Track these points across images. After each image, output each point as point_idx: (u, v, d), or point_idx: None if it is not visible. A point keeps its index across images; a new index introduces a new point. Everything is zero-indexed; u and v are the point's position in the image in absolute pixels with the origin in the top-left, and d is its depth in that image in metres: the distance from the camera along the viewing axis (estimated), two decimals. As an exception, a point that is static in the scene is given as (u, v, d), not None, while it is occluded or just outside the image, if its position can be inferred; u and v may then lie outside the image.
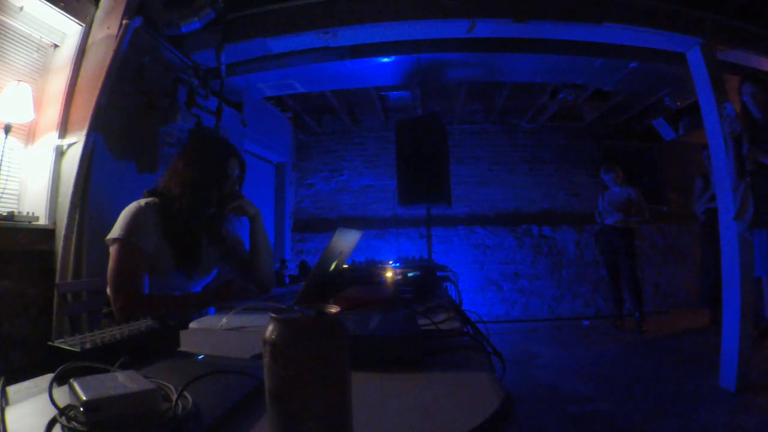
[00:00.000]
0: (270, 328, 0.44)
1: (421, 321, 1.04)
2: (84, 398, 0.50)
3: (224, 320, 1.33)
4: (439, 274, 2.40)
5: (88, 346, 0.75)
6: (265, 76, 3.92)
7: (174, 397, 0.55)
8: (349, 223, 6.56)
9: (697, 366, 3.48)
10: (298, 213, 6.87)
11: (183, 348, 0.96)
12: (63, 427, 0.50)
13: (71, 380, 0.55)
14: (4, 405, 0.60)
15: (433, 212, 5.14)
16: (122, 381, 0.56)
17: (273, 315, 0.44)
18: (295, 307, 0.49)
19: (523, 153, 6.32)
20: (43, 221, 2.72)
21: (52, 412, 0.52)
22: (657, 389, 3.10)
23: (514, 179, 6.27)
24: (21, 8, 2.58)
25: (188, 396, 0.56)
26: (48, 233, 2.71)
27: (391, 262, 2.37)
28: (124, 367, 0.71)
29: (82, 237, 2.67)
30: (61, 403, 0.53)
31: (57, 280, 2.63)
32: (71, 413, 0.51)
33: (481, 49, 3.59)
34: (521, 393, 3.20)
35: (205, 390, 0.62)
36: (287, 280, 2.85)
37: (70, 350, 0.74)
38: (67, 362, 0.67)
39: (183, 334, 0.99)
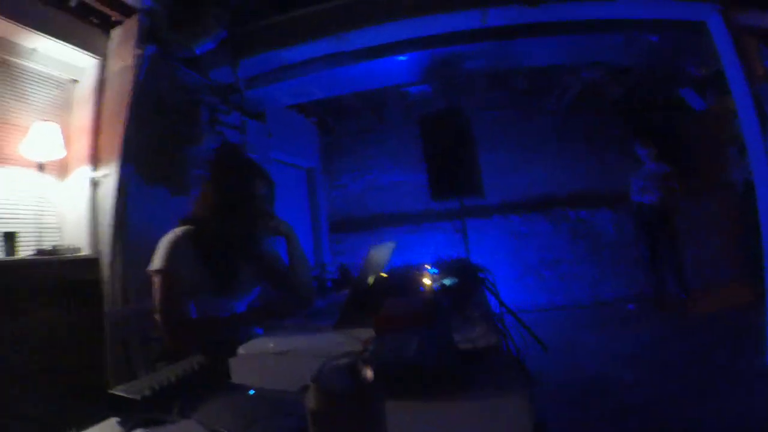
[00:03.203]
0: (311, 395, 0.48)
1: (458, 336, 1.07)
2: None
3: (271, 344, 1.39)
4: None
5: (147, 392, 0.81)
6: (284, 86, 3.99)
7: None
8: (382, 220, 6.64)
9: (742, 345, 3.41)
10: (333, 214, 6.98)
11: (235, 380, 1.01)
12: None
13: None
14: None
15: (466, 203, 5.15)
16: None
17: (313, 384, 0.48)
18: (335, 368, 0.52)
19: (551, 135, 6.21)
20: (85, 251, 2.87)
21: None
22: (699, 372, 3.08)
23: (544, 163, 6.18)
24: (34, 50, 2.73)
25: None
26: (92, 262, 2.86)
27: (428, 266, 2.38)
28: (181, 411, 0.76)
29: (126, 264, 2.81)
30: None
31: (106, 307, 2.77)
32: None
33: (495, 37, 3.56)
34: (566, 384, 3.18)
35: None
36: (329, 284, 2.90)
37: (131, 399, 0.80)
38: (129, 411, 0.73)
39: (232, 363, 1.05)
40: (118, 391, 0.83)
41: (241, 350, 1.36)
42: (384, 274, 2.06)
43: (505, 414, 0.71)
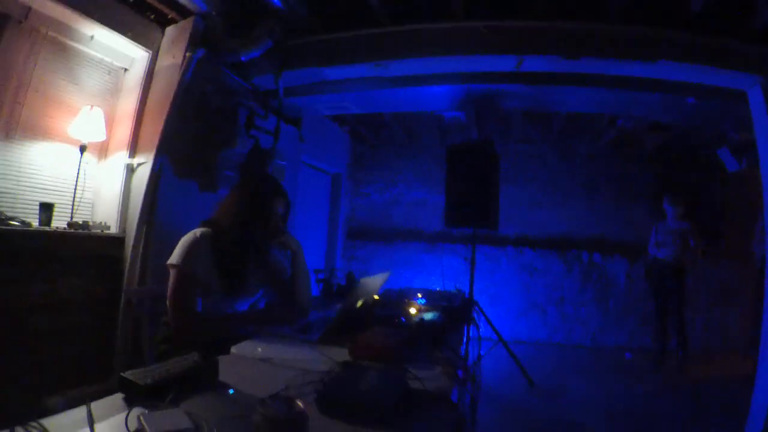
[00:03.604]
0: (257, 414, 0.69)
1: (413, 373, 1.26)
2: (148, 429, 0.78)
3: (259, 349, 1.62)
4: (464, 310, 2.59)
5: (149, 381, 1.04)
6: (322, 98, 4.25)
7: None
8: (400, 234, 6.87)
9: (724, 419, 3.44)
10: (352, 220, 7.26)
11: (222, 377, 1.23)
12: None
13: (139, 415, 0.83)
14: (92, 422, 0.89)
15: (483, 231, 5.29)
16: (172, 419, 0.83)
17: (259, 409, 0.69)
18: (275, 403, 0.73)
19: (579, 178, 6.31)
20: (114, 230, 3.17)
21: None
22: None
23: (567, 204, 6.29)
24: (92, 37, 3.03)
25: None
26: (118, 241, 3.16)
27: (419, 295, 2.58)
28: (173, 400, 0.99)
29: (149, 247, 3.10)
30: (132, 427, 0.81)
31: (124, 284, 3.07)
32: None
33: (532, 81, 3.69)
34: (539, 427, 3.32)
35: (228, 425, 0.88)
36: (335, 288, 3.09)
37: (136, 383, 1.03)
38: (132, 392, 0.97)
39: (223, 360, 1.28)
40: (128, 375, 1.07)
41: (233, 349, 1.60)
42: (376, 296, 2.27)
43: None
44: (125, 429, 0.82)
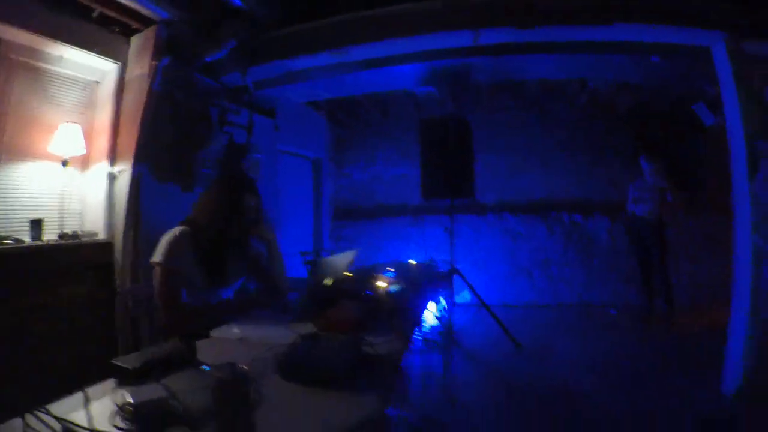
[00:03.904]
0: (212, 380, 0.89)
1: (371, 340, 1.48)
2: (131, 401, 0.98)
3: (236, 330, 1.84)
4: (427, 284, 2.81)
5: (136, 364, 1.25)
6: (292, 88, 4.38)
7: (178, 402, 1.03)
8: (384, 210, 7.08)
9: (708, 368, 3.48)
10: (337, 201, 7.45)
11: (202, 357, 1.44)
12: (119, 415, 0.98)
13: (124, 391, 1.04)
14: (87, 402, 1.10)
15: (466, 201, 5.50)
16: (152, 392, 1.04)
17: (214, 374, 0.90)
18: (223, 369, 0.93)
19: (557, 142, 6.42)
20: (102, 236, 3.36)
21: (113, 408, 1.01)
22: (661, 389, 3.28)
23: (547, 168, 6.43)
24: (62, 57, 3.19)
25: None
26: (108, 246, 3.36)
27: (390, 269, 2.78)
28: (155, 378, 1.20)
29: (137, 249, 3.29)
30: (119, 401, 1.02)
31: (117, 285, 3.27)
32: (125, 408, 1.00)
33: (493, 53, 3.75)
34: (524, 386, 3.52)
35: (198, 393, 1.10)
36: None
37: (125, 367, 1.24)
38: (122, 375, 1.18)
39: (204, 343, 1.49)
40: (117, 361, 1.28)
41: (213, 333, 1.82)
42: (348, 274, 2.48)
43: (360, 408, 1.10)
44: (113, 405, 1.03)
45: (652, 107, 6.05)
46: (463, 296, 5.52)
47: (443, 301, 4.97)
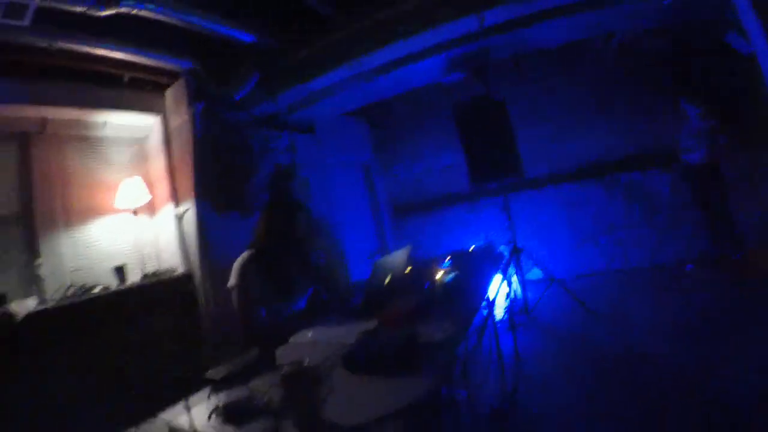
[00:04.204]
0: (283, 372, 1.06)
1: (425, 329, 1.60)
2: (221, 405, 1.17)
3: (309, 335, 2.03)
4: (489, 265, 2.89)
5: (223, 374, 1.45)
6: (323, 104, 4.58)
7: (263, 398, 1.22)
8: (438, 202, 7.19)
9: None
10: (393, 200, 7.65)
11: (281, 360, 1.62)
12: (213, 415, 1.17)
13: (213, 395, 1.23)
14: (189, 407, 1.30)
15: (516, 179, 5.47)
16: (236, 393, 1.23)
17: (285, 368, 1.06)
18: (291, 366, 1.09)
19: (595, 100, 6.20)
20: (180, 270, 3.70)
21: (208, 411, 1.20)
22: (736, 347, 3.14)
23: (591, 129, 6.22)
24: (105, 123, 3.61)
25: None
26: (188, 278, 3.71)
27: (447, 258, 2.88)
28: (241, 383, 1.39)
29: (212, 276, 3.60)
30: (212, 405, 1.21)
31: (201, 310, 3.62)
32: (216, 410, 1.19)
33: (506, 30, 3.79)
34: (600, 355, 3.49)
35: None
36: None
37: (214, 378, 1.44)
38: (213, 384, 1.38)
39: (283, 348, 1.68)
40: (208, 375, 1.49)
41: (291, 339, 2.02)
42: (407, 270, 2.62)
43: (414, 390, 1.22)
44: (207, 408, 1.23)
45: (685, 47, 5.73)
46: (535, 273, 5.49)
47: (515, 281, 5.02)
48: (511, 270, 4.92)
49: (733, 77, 5.56)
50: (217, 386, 1.44)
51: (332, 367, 1.45)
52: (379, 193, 7.35)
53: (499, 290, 4.48)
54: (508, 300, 4.86)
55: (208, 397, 1.36)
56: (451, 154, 6.94)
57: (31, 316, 2.71)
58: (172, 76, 3.76)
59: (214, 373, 1.51)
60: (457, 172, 6.85)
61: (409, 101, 6.53)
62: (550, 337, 4.14)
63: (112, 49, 3.27)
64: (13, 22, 2.61)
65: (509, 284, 4.96)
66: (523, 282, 4.87)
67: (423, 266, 2.77)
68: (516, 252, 4.82)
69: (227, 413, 1.18)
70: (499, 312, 4.24)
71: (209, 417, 1.20)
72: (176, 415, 1.29)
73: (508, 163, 4.90)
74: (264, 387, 1.33)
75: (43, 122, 3.29)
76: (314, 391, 1.13)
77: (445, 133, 6.83)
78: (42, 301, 2.95)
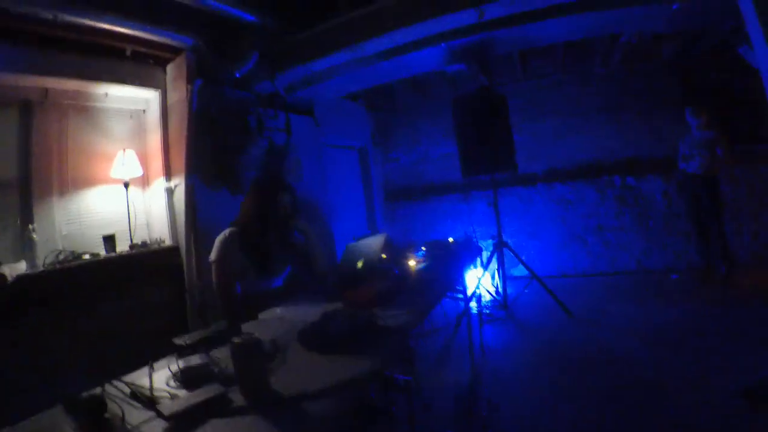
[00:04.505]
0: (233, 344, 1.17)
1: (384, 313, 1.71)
2: (181, 367, 1.29)
3: (278, 311, 2.14)
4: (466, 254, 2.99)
5: (188, 341, 1.57)
6: (324, 86, 4.64)
7: (217, 366, 1.33)
8: (433, 190, 7.31)
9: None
10: (387, 185, 7.75)
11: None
12: (172, 378, 1.29)
13: (178, 360, 1.35)
14: (152, 371, 1.41)
15: (510, 173, 5.53)
16: (198, 360, 1.34)
17: (234, 341, 1.17)
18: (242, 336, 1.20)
19: (598, 100, 6.25)
20: (168, 242, 3.82)
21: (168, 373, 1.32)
22: (709, 357, 3.18)
23: (591, 130, 6.28)
24: (106, 94, 3.69)
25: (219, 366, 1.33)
26: (175, 250, 3.82)
27: (423, 248, 2.99)
28: (204, 351, 1.50)
29: (198, 249, 3.72)
30: (173, 369, 1.32)
31: (186, 282, 3.74)
32: (175, 373, 1.30)
33: (508, 24, 3.80)
34: (569, 353, 3.59)
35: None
36: None
37: (181, 344, 1.56)
38: (178, 350, 1.49)
39: (252, 323, 1.80)
40: (176, 340, 1.61)
41: (260, 315, 2.13)
42: (383, 255, 2.72)
43: (360, 367, 1.34)
44: (169, 370, 1.35)
45: (694, 54, 5.73)
46: (520, 269, 5.61)
47: (497, 276, 5.14)
48: (494, 264, 5.02)
49: (740, 91, 5.57)
50: (182, 352, 1.55)
51: (289, 343, 1.56)
52: (373, 178, 7.46)
53: (479, 284, 4.60)
54: (487, 294, 4.99)
55: (173, 361, 1.48)
56: (449, 143, 7.01)
57: (21, 279, 2.83)
58: (174, 51, 3.82)
59: (181, 339, 1.62)
60: (453, 161, 6.90)
61: (410, 87, 6.61)
62: (525, 333, 4.25)
63: (115, 23, 3.32)
64: (19, -6, 2.70)
65: (492, 278, 5.08)
66: (504, 277, 4.97)
67: (398, 253, 2.88)
68: (500, 246, 4.90)
69: (184, 377, 1.29)
70: (478, 304, 4.36)
71: (168, 380, 1.32)
72: (140, 376, 1.40)
73: (502, 157, 4.96)
74: (223, 356, 1.44)
75: (45, 92, 3.35)
76: (263, 362, 1.25)
77: (446, 121, 6.88)
78: (32, 265, 3.07)
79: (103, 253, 3.39)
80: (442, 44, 4.13)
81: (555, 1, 3.59)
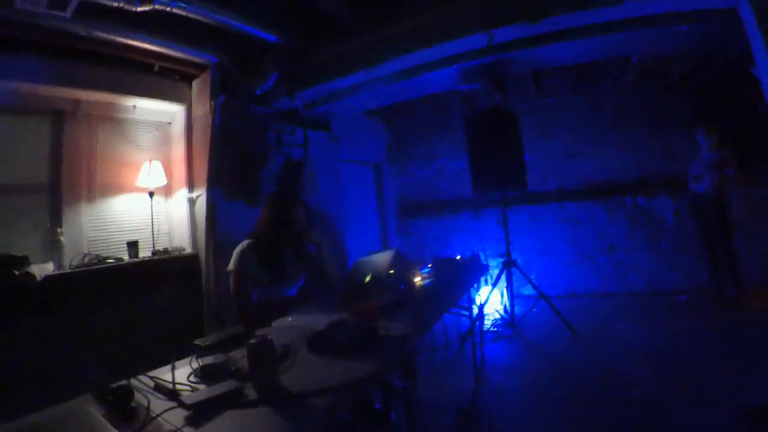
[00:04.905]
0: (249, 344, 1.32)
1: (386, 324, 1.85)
2: (201, 365, 1.44)
3: (289, 319, 2.29)
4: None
5: (208, 343, 1.73)
6: (341, 103, 4.85)
7: (235, 364, 1.48)
8: (446, 205, 7.45)
9: None
10: (402, 199, 7.93)
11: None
12: (192, 374, 1.44)
13: (198, 358, 1.50)
14: (174, 368, 1.57)
15: (521, 191, 5.63)
16: (217, 359, 1.50)
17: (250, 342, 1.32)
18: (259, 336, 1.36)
19: (610, 120, 6.34)
20: (188, 250, 4.01)
21: (190, 370, 1.48)
22: (715, 380, 3.19)
23: (603, 149, 6.37)
24: (134, 106, 3.94)
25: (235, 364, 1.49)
26: (194, 258, 4.02)
27: (429, 265, 3.13)
28: (221, 351, 1.66)
29: (217, 258, 3.91)
30: (194, 366, 1.48)
31: (204, 288, 3.93)
32: (196, 370, 1.46)
33: (518, 47, 3.96)
34: (572, 372, 3.66)
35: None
36: None
37: (200, 345, 1.72)
38: (198, 350, 1.65)
39: (265, 330, 1.95)
40: (197, 341, 1.77)
41: (273, 324, 2.28)
42: (391, 271, 2.87)
43: (359, 371, 1.47)
44: (190, 366, 1.50)
45: (705, 74, 5.77)
46: (530, 287, 5.70)
47: (505, 294, 5.23)
48: (502, 283, 5.12)
49: (752, 111, 5.58)
50: (201, 352, 1.71)
51: (298, 347, 1.71)
52: (387, 193, 7.63)
53: (488, 301, 4.70)
54: (496, 312, 5.09)
55: (193, 360, 1.63)
56: (464, 159, 7.11)
57: (49, 279, 3.03)
58: (200, 68, 4.07)
59: (201, 341, 1.78)
60: (467, 177, 7.05)
61: (427, 103, 6.76)
62: (531, 352, 4.33)
63: (144, 40, 3.57)
64: (55, 12, 2.92)
65: (500, 296, 5.18)
66: (512, 295, 5.06)
67: (405, 269, 3.02)
68: (508, 265, 5.01)
69: (204, 373, 1.44)
70: (486, 322, 4.46)
71: (189, 375, 1.47)
72: (162, 372, 1.56)
73: (512, 175, 5.08)
74: (239, 356, 1.59)
75: (77, 102, 3.61)
76: (275, 362, 1.40)
77: (460, 138, 7.03)
78: (59, 266, 3.28)
79: (126, 258, 3.60)
80: (456, 65, 4.31)
81: (564, 26, 3.73)
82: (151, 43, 3.63)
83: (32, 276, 2.94)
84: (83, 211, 3.61)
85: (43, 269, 3.07)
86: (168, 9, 3.17)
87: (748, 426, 2.57)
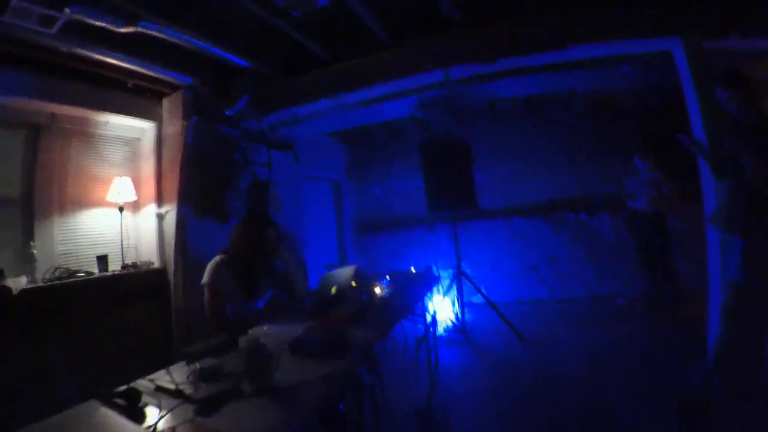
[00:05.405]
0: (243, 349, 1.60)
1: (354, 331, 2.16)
2: (199, 368, 1.70)
3: (264, 328, 2.55)
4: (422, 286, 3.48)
5: (197, 350, 1.97)
6: (304, 127, 5.16)
7: (229, 366, 1.74)
8: (402, 222, 7.82)
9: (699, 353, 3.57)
10: (360, 216, 8.28)
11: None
12: (192, 376, 1.70)
13: (190, 363, 1.75)
14: (171, 372, 1.81)
15: (472, 209, 6.06)
16: (207, 363, 1.75)
17: (245, 345, 1.60)
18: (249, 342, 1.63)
19: (557, 145, 7.00)
20: (156, 264, 4.17)
21: (187, 373, 1.73)
22: (652, 378, 3.53)
23: (550, 171, 7.00)
24: (107, 122, 4.09)
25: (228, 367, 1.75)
26: (162, 272, 4.17)
27: (388, 277, 3.46)
28: (214, 357, 1.91)
29: (186, 273, 4.08)
30: (192, 370, 1.73)
31: (172, 302, 4.08)
32: (195, 372, 1.71)
33: (470, 83, 4.39)
34: (517, 374, 4.02)
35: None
36: None
37: (190, 352, 1.96)
38: (187, 357, 1.90)
39: (243, 338, 2.20)
40: (185, 349, 2.00)
41: (250, 332, 2.53)
42: (354, 283, 3.17)
43: (333, 368, 1.78)
44: (187, 372, 1.75)
45: (645, 105, 6.41)
46: (480, 296, 6.11)
47: (456, 302, 5.61)
48: (453, 292, 5.51)
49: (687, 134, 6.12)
50: (192, 358, 1.95)
51: (281, 351, 1.98)
52: (345, 210, 7.95)
53: (439, 309, 5.06)
54: (447, 319, 5.46)
55: (186, 365, 1.87)
56: (417, 179, 7.52)
57: (24, 292, 3.14)
58: (172, 87, 4.25)
59: (190, 349, 2.02)
60: (421, 196, 7.47)
61: (385, 128, 7.15)
62: (479, 354, 4.71)
63: (123, 59, 3.72)
64: (42, 29, 3.05)
65: (452, 304, 5.56)
66: (462, 303, 5.46)
67: (366, 282, 3.33)
68: (458, 276, 5.40)
69: (202, 375, 1.69)
70: (439, 328, 4.81)
71: (188, 377, 1.72)
72: (160, 376, 1.80)
73: (465, 195, 5.53)
74: (230, 359, 1.85)
75: (52, 117, 3.71)
76: (266, 362, 1.67)
77: (415, 160, 7.46)
78: (32, 279, 3.38)
79: (96, 272, 3.72)
80: (414, 96, 4.70)
81: (514, 66, 4.12)
82: (129, 62, 3.78)
83: (9, 289, 3.05)
84: (55, 224, 3.70)
85: (17, 282, 3.16)
86: (149, 32, 3.36)
87: (686, 419, 2.85)
